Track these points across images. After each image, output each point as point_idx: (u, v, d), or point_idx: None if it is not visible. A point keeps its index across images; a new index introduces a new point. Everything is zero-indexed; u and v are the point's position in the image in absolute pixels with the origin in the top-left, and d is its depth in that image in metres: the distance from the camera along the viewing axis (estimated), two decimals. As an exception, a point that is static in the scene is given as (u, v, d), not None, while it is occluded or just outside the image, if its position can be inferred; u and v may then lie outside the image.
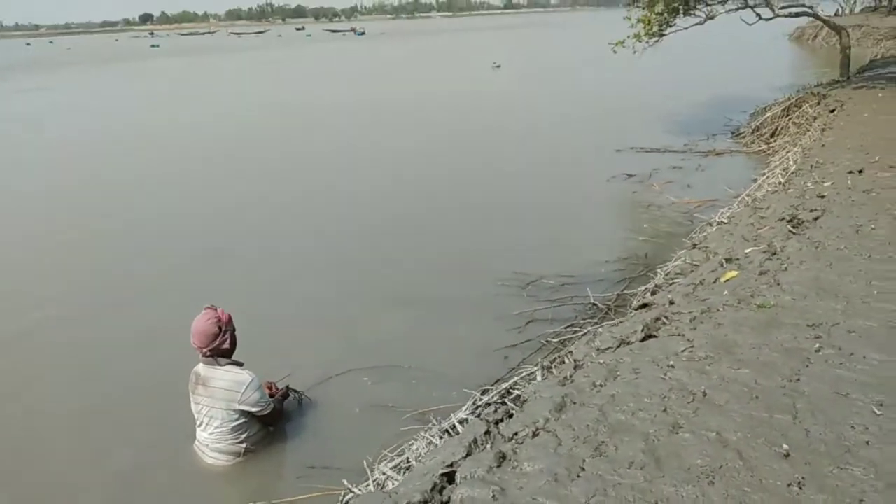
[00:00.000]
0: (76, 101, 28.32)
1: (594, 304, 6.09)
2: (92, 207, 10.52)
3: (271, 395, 4.50)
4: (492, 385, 4.64)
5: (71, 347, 5.95)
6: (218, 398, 4.08)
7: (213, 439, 4.17)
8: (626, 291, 6.29)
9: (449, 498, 2.72)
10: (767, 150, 11.41)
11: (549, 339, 5.46)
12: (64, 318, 6.47)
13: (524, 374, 4.60)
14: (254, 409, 4.12)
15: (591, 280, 6.62)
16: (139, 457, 4.32)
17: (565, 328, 5.65)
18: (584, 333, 5.14)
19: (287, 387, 4.72)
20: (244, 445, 4.21)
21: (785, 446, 2.71)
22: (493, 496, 2.65)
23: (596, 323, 5.54)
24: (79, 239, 8.84)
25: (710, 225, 7.21)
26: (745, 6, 12.61)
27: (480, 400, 4.22)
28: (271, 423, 4.36)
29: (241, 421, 4.14)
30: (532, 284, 6.68)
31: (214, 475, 4.17)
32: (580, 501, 2.57)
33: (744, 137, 12.68)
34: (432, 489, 2.77)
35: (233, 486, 4.12)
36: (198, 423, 4.24)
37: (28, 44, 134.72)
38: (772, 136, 12.04)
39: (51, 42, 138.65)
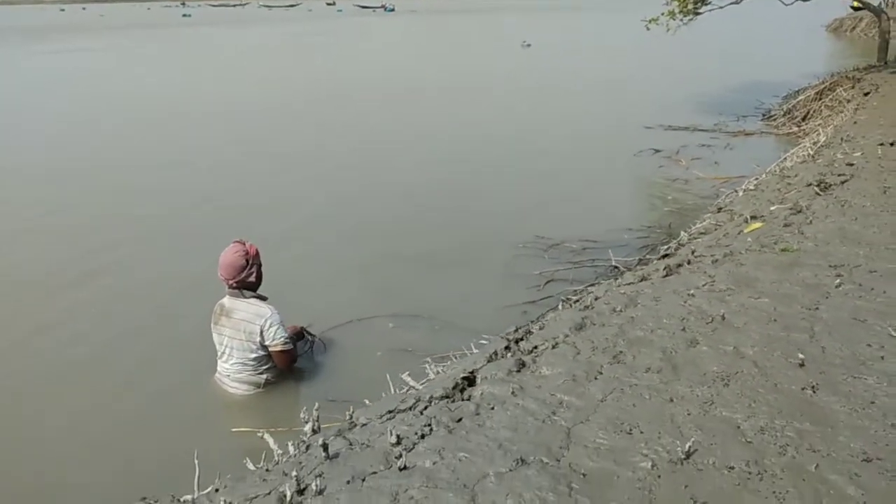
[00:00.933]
0: (118, 60, 28.73)
1: (615, 267, 6.10)
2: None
3: (300, 336, 4.61)
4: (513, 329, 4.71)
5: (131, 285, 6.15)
6: (240, 329, 4.17)
7: (234, 370, 4.25)
8: (648, 256, 6.29)
9: (470, 395, 2.81)
10: (798, 132, 11.28)
11: (568, 297, 5.50)
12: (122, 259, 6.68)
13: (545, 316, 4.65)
14: (270, 343, 4.17)
15: (613, 245, 6.62)
16: (160, 385, 4.42)
17: (586, 287, 5.68)
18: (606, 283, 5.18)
19: (302, 328, 4.75)
20: (265, 377, 4.29)
21: (801, 355, 2.77)
22: (513, 392, 2.74)
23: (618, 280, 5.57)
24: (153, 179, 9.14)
25: (737, 192, 7.20)
26: (784, -14, 12.43)
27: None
28: (284, 363, 4.32)
29: (261, 353, 4.23)
30: (554, 247, 6.70)
31: (234, 403, 4.25)
32: (597, 398, 2.65)
33: (775, 120, 12.55)
34: (454, 388, 2.86)
35: (252, 413, 4.19)
36: (219, 354, 4.32)
37: (62, 9, 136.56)
38: (803, 119, 11.90)
39: (83, 9, 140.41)
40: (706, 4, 12.29)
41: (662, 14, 12.25)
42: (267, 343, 4.17)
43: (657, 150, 10.46)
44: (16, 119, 14.90)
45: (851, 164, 6.32)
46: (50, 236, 7.27)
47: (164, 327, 5.24)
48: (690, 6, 12.07)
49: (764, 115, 13.23)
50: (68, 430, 4.00)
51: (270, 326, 4.14)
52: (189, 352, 4.67)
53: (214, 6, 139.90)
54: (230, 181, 9.61)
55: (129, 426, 4.02)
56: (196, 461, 2.85)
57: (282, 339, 4.19)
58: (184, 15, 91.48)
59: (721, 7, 12.74)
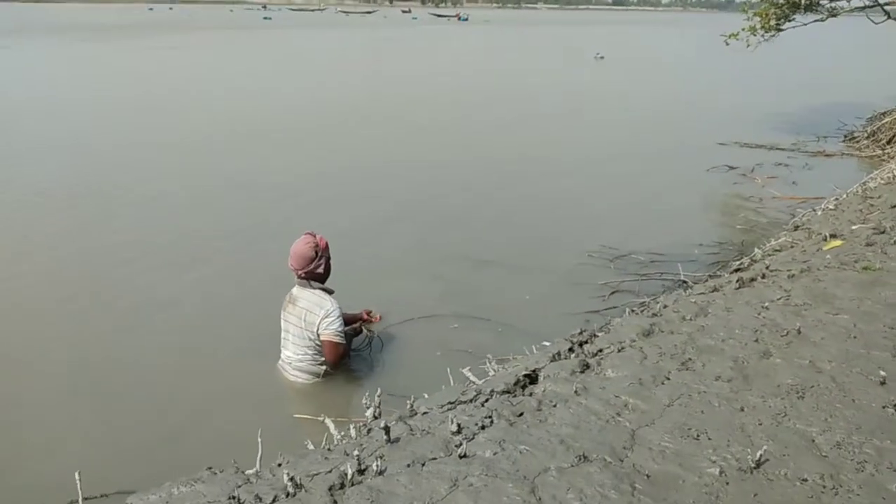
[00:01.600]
0: (218, 57, 29.82)
1: (684, 282, 5.96)
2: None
3: (366, 320, 4.66)
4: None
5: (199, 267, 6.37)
6: (301, 318, 4.25)
7: (296, 358, 4.33)
8: (718, 273, 6.13)
9: (532, 392, 2.79)
10: (883, 155, 10.85)
11: (633, 309, 5.41)
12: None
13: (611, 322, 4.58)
14: (322, 332, 4.20)
15: (682, 260, 6.46)
16: (228, 369, 4.53)
17: (652, 300, 5.57)
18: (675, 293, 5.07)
19: (361, 323, 4.79)
20: (324, 367, 4.34)
21: (882, 373, 2.64)
22: (576, 391, 2.70)
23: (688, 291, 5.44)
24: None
25: (815, 211, 6.95)
26: (874, 4, 11.93)
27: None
28: (333, 356, 4.29)
29: (319, 343, 4.28)
30: (621, 258, 6.60)
31: (296, 390, 4.32)
32: (664, 402, 2.59)
33: (857, 142, 12.08)
34: (516, 384, 2.84)
35: (313, 401, 4.24)
36: (283, 341, 4.42)
37: (150, 8, 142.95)
38: (888, 142, 11.42)
39: (170, 8, 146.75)
40: (789, 21, 11.92)
41: (743, 29, 11.94)
42: (320, 332, 4.22)
43: (731, 167, 10.21)
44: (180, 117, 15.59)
45: (941, 188, 6.03)
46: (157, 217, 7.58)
47: (238, 312, 5.38)
48: (773, 22, 11.73)
49: (846, 136, 12.76)
50: (132, 405, 4.15)
51: (327, 316, 4.20)
52: (258, 337, 4.78)
53: (294, 10, 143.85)
54: (310, 174, 9.90)
55: (195, 407, 4.13)
56: (259, 439, 2.91)
57: (335, 330, 4.22)
58: (265, 18, 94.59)
59: (805, 24, 12.34)
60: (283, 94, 19.31)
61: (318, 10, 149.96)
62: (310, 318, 4.21)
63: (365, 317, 5.05)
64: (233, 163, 10.51)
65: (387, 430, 2.39)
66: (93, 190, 8.75)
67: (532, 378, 2.94)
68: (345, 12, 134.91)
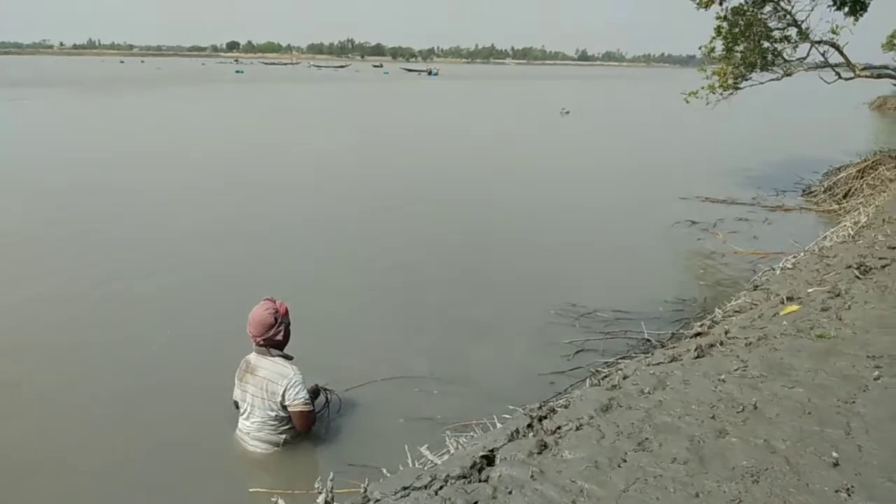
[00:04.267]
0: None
1: (647, 340, 6.00)
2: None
3: (315, 395, 4.57)
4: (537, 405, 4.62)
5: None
6: (262, 388, 4.16)
7: (254, 428, 4.24)
8: (681, 331, 6.17)
9: (488, 476, 2.74)
10: (839, 210, 11.14)
11: (598, 369, 5.41)
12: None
13: (571, 392, 4.56)
14: (290, 403, 4.14)
15: (646, 317, 6.52)
16: (183, 438, 4.42)
17: (616, 360, 5.58)
18: (636, 359, 5.08)
19: (316, 385, 4.66)
20: (284, 437, 4.26)
21: (835, 454, 2.65)
22: (532, 476, 2.66)
23: (648, 357, 5.46)
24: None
25: (774, 270, 7.07)
26: (826, 65, 12.41)
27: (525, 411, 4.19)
28: (303, 425, 4.26)
29: (282, 413, 4.20)
30: (586, 316, 6.63)
31: (254, 461, 4.22)
32: (619, 487, 2.56)
33: (815, 196, 12.42)
34: (472, 467, 2.79)
35: (271, 473, 4.14)
36: (241, 410, 4.31)
37: (122, 61, 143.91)
38: (844, 196, 11.76)
39: (142, 61, 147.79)
40: (746, 80, 12.32)
41: (702, 88, 12.32)
42: (287, 403, 4.14)
43: (694, 222, 10.40)
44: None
45: (893, 248, 6.17)
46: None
47: (191, 380, 5.26)
48: (730, 81, 12.12)
49: (804, 190, 13.12)
50: (80, 477, 4.00)
51: (293, 387, 4.13)
52: (213, 406, 4.67)
53: (266, 63, 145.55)
54: (270, 228, 9.83)
55: (149, 480, 4.00)
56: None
57: (302, 399, 4.17)
58: (237, 71, 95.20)
59: (761, 83, 12.77)
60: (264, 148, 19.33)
61: (291, 63, 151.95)
62: (272, 387, 4.13)
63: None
64: (204, 213, 10.42)
65: (336, 524, 2.32)
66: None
67: (489, 459, 2.89)
68: (317, 66, 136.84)
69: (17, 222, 9.81)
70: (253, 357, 4.28)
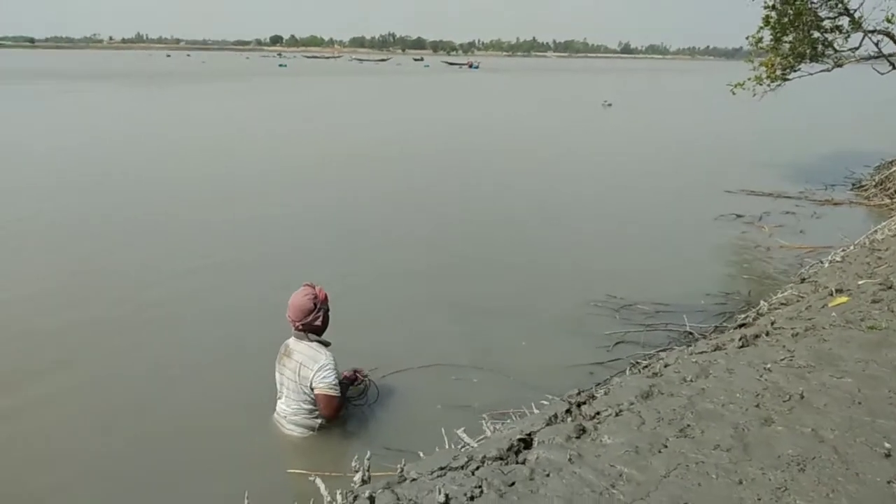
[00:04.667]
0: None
1: (689, 333, 5.88)
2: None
3: (353, 380, 4.57)
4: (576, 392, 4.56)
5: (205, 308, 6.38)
6: (296, 371, 4.19)
7: (290, 411, 4.27)
8: (724, 324, 6.04)
9: (525, 459, 2.71)
10: (891, 204, 10.79)
11: (638, 361, 5.32)
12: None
13: (611, 380, 4.50)
14: (316, 385, 4.14)
15: (688, 310, 6.39)
16: (224, 421, 4.48)
17: (657, 352, 5.48)
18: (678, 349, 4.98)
19: (356, 372, 4.67)
20: (319, 421, 4.28)
21: (887, 445, 2.55)
22: (570, 459, 2.63)
23: (690, 347, 5.35)
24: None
25: (822, 263, 6.87)
26: (879, 55, 11.99)
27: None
28: (328, 409, 4.22)
29: (314, 397, 4.21)
30: (626, 308, 6.54)
31: (292, 443, 4.24)
32: (660, 473, 2.51)
33: (866, 190, 12.04)
34: (509, 449, 2.77)
35: (309, 455, 4.15)
36: (279, 394, 4.36)
37: (168, 55, 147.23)
38: (896, 191, 11.38)
39: (188, 55, 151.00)
40: (795, 71, 11.99)
41: (749, 79, 12.02)
42: (314, 385, 4.15)
43: (739, 216, 10.19)
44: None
45: (950, 241, 5.95)
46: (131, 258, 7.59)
47: (234, 362, 5.33)
48: (778, 72, 11.80)
49: (854, 185, 12.73)
50: (124, 460, 4.08)
51: (322, 370, 4.14)
52: (252, 389, 4.72)
53: (308, 57, 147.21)
54: (310, 214, 9.97)
55: (188, 461, 4.06)
56: (246, 501, 2.84)
57: (328, 382, 4.15)
58: (280, 65, 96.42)
59: (811, 74, 12.41)
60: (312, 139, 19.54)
61: (333, 57, 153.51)
62: (304, 371, 4.16)
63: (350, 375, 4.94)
64: (250, 202, 10.57)
65: (372, 500, 2.32)
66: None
67: (527, 442, 2.86)
68: (359, 59, 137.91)
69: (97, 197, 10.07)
70: (291, 341, 4.31)
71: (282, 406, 4.34)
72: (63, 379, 5.00)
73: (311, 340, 4.25)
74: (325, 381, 4.14)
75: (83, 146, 16.81)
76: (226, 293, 6.90)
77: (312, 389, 4.17)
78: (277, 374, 4.36)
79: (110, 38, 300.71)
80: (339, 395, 4.25)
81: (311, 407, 4.24)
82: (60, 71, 61.43)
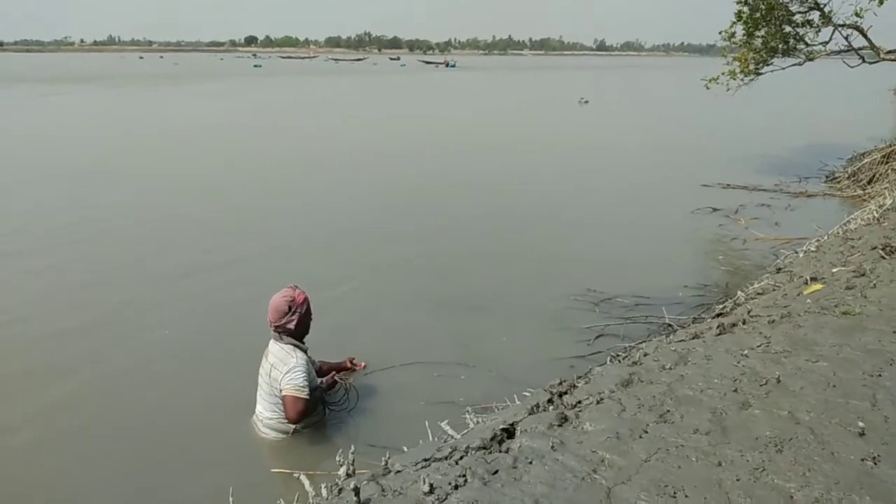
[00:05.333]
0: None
1: (668, 325, 5.94)
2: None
3: (332, 385, 4.51)
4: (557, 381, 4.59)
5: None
6: (267, 373, 4.15)
7: (265, 415, 4.21)
8: (703, 315, 6.11)
9: (508, 448, 2.74)
10: (863, 195, 10.97)
11: (618, 354, 5.36)
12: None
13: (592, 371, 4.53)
14: (284, 389, 4.06)
15: (667, 303, 6.45)
16: (210, 419, 4.46)
17: (637, 344, 5.53)
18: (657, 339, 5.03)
19: (334, 374, 4.65)
20: (293, 427, 4.19)
21: (861, 424, 2.61)
22: (552, 447, 2.65)
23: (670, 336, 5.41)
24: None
25: (797, 253, 6.98)
26: (849, 49, 12.19)
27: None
28: (292, 412, 4.10)
29: None
30: (605, 301, 6.59)
31: (276, 444, 4.18)
32: (641, 457, 2.54)
33: (838, 182, 12.23)
34: (492, 439, 2.79)
35: (293, 454, 4.09)
36: (258, 395, 4.31)
37: (141, 57, 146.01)
38: (869, 182, 11.58)
39: (161, 57, 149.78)
40: (767, 65, 12.15)
41: (722, 73, 12.16)
42: (280, 386, 4.07)
43: (715, 209, 10.29)
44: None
45: (920, 229, 6.07)
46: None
47: (226, 359, 5.31)
48: (751, 67, 11.95)
49: (827, 177, 12.93)
50: (106, 458, 4.05)
51: (290, 371, 4.05)
52: (245, 388, 4.69)
53: (283, 58, 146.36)
54: (291, 218, 9.89)
55: (171, 460, 4.04)
56: (231, 498, 2.84)
57: (295, 384, 4.04)
58: (255, 66, 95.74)
59: (783, 68, 12.58)
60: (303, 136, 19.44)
61: (309, 57, 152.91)
62: (274, 373, 4.09)
63: (348, 365, 4.97)
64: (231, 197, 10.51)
65: (356, 491, 2.33)
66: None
67: (509, 432, 2.89)
68: (335, 59, 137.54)
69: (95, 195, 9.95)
70: (270, 343, 4.26)
71: (258, 408, 4.28)
72: (49, 381, 4.95)
73: (285, 342, 4.19)
74: (291, 382, 4.04)
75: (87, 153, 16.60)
76: (212, 293, 6.86)
77: (281, 391, 4.09)
78: (259, 377, 4.32)
79: (81, 41, 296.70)
80: (307, 398, 4.11)
81: (281, 411, 4.16)
82: (37, 75, 60.50)
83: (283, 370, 4.07)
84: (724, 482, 2.36)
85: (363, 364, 5.04)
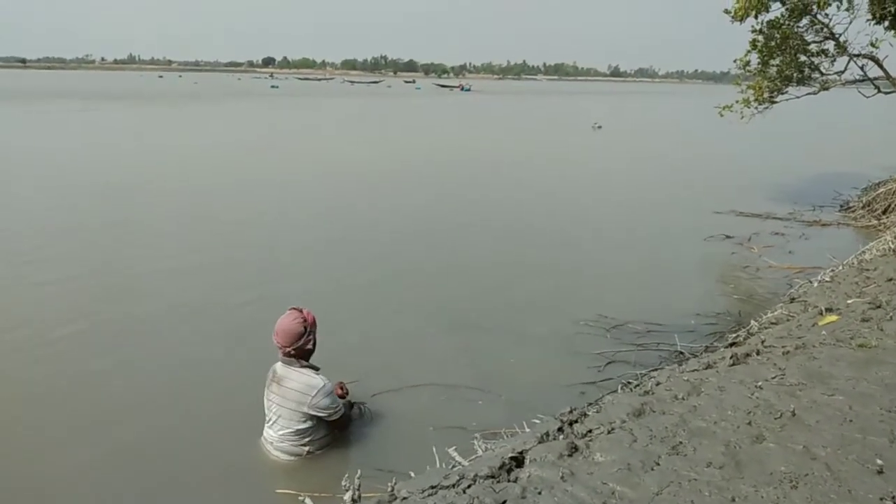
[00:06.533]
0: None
1: (680, 353, 5.88)
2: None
3: (342, 396, 4.52)
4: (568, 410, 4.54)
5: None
6: (289, 399, 4.13)
7: (278, 438, 4.21)
8: (715, 344, 6.05)
9: (517, 477, 2.69)
10: (878, 225, 10.89)
11: (629, 381, 5.31)
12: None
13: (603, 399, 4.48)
14: (322, 414, 4.15)
15: (679, 330, 6.41)
16: (209, 440, 4.44)
17: (648, 371, 5.47)
18: (669, 368, 4.98)
19: (349, 401, 4.66)
20: (307, 448, 4.22)
21: (879, 461, 2.55)
22: (562, 477, 2.61)
23: (682, 365, 5.35)
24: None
25: (811, 283, 6.90)
26: (865, 78, 12.17)
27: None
28: (339, 428, 4.36)
29: (308, 424, 4.17)
30: (617, 328, 6.55)
31: (283, 464, 4.20)
32: (652, 490, 2.49)
33: (853, 211, 12.15)
34: (500, 467, 2.75)
35: (300, 476, 4.09)
36: (267, 419, 4.29)
37: (160, 76, 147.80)
38: (884, 212, 11.49)
39: (180, 76, 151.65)
40: (782, 94, 12.13)
41: (737, 101, 12.15)
42: (319, 414, 4.13)
43: (728, 236, 10.24)
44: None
45: (937, 261, 6.00)
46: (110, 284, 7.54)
47: (225, 379, 5.29)
48: (766, 95, 11.94)
49: (842, 206, 12.86)
50: (109, 476, 4.02)
51: (323, 398, 4.12)
52: (248, 408, 4.67)
53: (300, 79, 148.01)
54: (303, 238, 9.91)
55: (176, 478, 4.01)
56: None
57: (335, 407, 4.19)
58: (272, 86, 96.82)
59: (797, 97, 12.56)
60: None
61: (325, 79, 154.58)
62: (300, 398, 4.10)
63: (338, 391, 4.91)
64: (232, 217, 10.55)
65: (362, 518, 2.29)
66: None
67: (518, 460, 2.84)
68: (350, 81, 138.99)
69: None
70: (279, 367, 4.24)
71: (269, 432, 4.27)
72: (48, 391, 4.96)
73: (302, 366, 4.18)
74: (332, 408, 4.18)
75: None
76: (215, 308, 6.87)
77: (311, 417, 4.13)
78: (266, 400, 4.28)
79: (102, 59, 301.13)
80: (343, 410, 4.31)
81: (300, 435, 4.18)
82: (65, 91, 61.43)
83: (312, 394, 4.10)
84: (737, 518, 2.31)
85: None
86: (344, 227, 10.72)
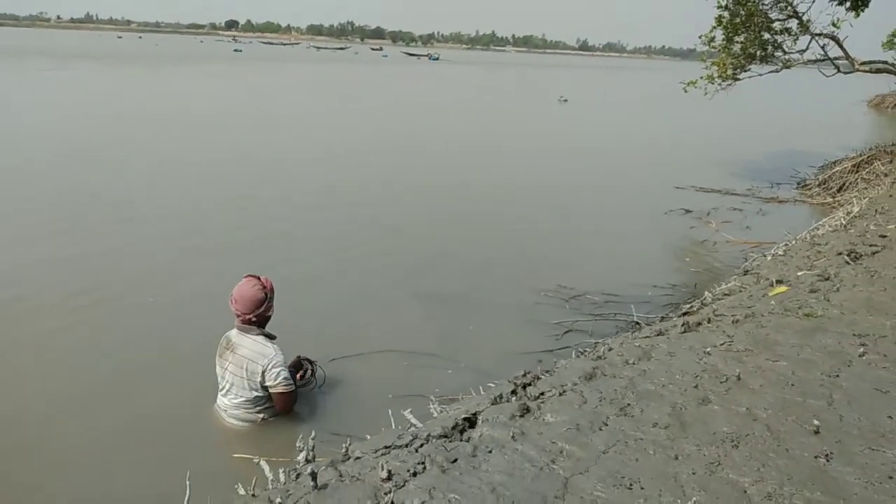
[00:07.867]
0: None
1: (636, 322, 5.99)
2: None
3: (301, 377, 4.46)
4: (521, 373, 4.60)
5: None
6: (242, 367, 4.09)
7: (231, 405, 4.18)
8: (670, 314, 6.17)
9: (469, 436, 2.74)
10: (833, 203, 11.16)
11: (585, 350, 5.40)
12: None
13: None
14: (271, 384, 4.09)
15: (636, 301, 6.50)
16: (170, 406, 4.39)
17: (604, 340, 5.57)
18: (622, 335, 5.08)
19: (299, 357, 4.59)
20: (261, 416, 4.19)
21: (816, 422, 2.65)
22: (513, 437, 2.66)
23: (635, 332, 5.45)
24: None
25: (765, 256, 7.07)
26: (825, 58, 12.38)
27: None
28: (283, 405, 4.20)
29: (260, 393, 4.14)
30: (575, 298, 6.63)
31: (235, 432, 4.15)
32: (599, 449, 2.56)
33: (809, 189, 12.43)
34: (453, 427, 2.79)
35: (256, 441, 4.06)
36: (220, 387, 4.25)
37: (119, 37, 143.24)
38: (839, 190, 11.77)
39: (140, 37, 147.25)
40: (745, 71, 12.28)
41: (701, 77, 12.27)
42: (268, 384, 4.07)
43: (688, 211, 10.39)
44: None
45: (884, 236, 6.19)
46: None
47: (180, 348, 5.24)
48: (729, 72, 12.07)
49: (799, 183, 13.13)
50: (69, 442, 3.98)
51: (273, 367, 4.05)
52: (201, 375, 4.64)
53: (264, 43, 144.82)
54: (265, 206, 9.80)
55: (129, 444, 3.98)
56: (188, 482, 2.81)
57: (283, 381, 4.09)
58: (235, 50, 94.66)
59: (760, 75, 12.73)
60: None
61: (290, 44, 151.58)
62: (252, 367, 4.05)
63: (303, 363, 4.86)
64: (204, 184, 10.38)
65: (314, 476, 2.31)
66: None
67: (471, 421, 2.89)
68: (316, 47, 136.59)
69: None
70: (234, 334, 4.18)
71: (222, 399, 4.22)
72: (9, 362, 4.86)
73: (255, 334, 4.13)
74: (279, 379, 4.07)
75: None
76: (176, 281, 6.76)
77: (263, 386, 4.08)
78: (219, 368, 4.21)
79: (58, 17, 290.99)
80: (294, 389, 4.21)
81: (253, 402, 4.15)
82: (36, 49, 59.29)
83: (264, 364, 4.04)
84: (679, 475, 2.39)
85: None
86: (307, 195, 10.60)
